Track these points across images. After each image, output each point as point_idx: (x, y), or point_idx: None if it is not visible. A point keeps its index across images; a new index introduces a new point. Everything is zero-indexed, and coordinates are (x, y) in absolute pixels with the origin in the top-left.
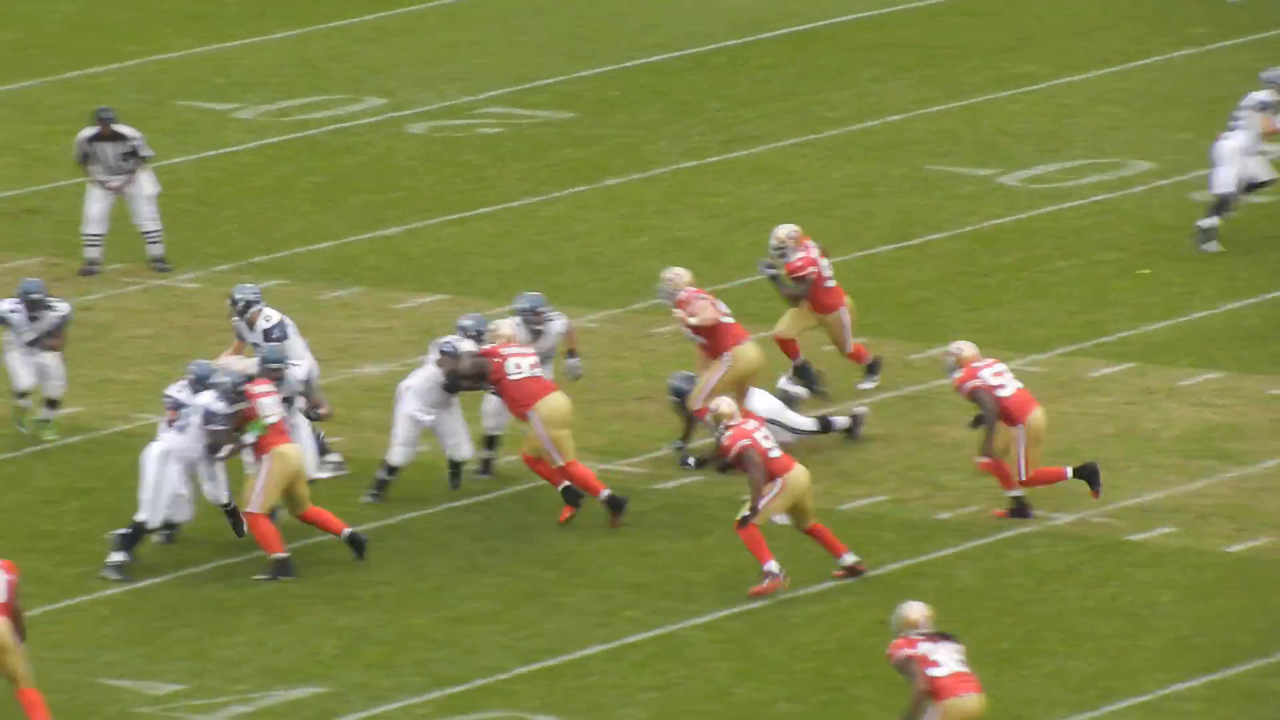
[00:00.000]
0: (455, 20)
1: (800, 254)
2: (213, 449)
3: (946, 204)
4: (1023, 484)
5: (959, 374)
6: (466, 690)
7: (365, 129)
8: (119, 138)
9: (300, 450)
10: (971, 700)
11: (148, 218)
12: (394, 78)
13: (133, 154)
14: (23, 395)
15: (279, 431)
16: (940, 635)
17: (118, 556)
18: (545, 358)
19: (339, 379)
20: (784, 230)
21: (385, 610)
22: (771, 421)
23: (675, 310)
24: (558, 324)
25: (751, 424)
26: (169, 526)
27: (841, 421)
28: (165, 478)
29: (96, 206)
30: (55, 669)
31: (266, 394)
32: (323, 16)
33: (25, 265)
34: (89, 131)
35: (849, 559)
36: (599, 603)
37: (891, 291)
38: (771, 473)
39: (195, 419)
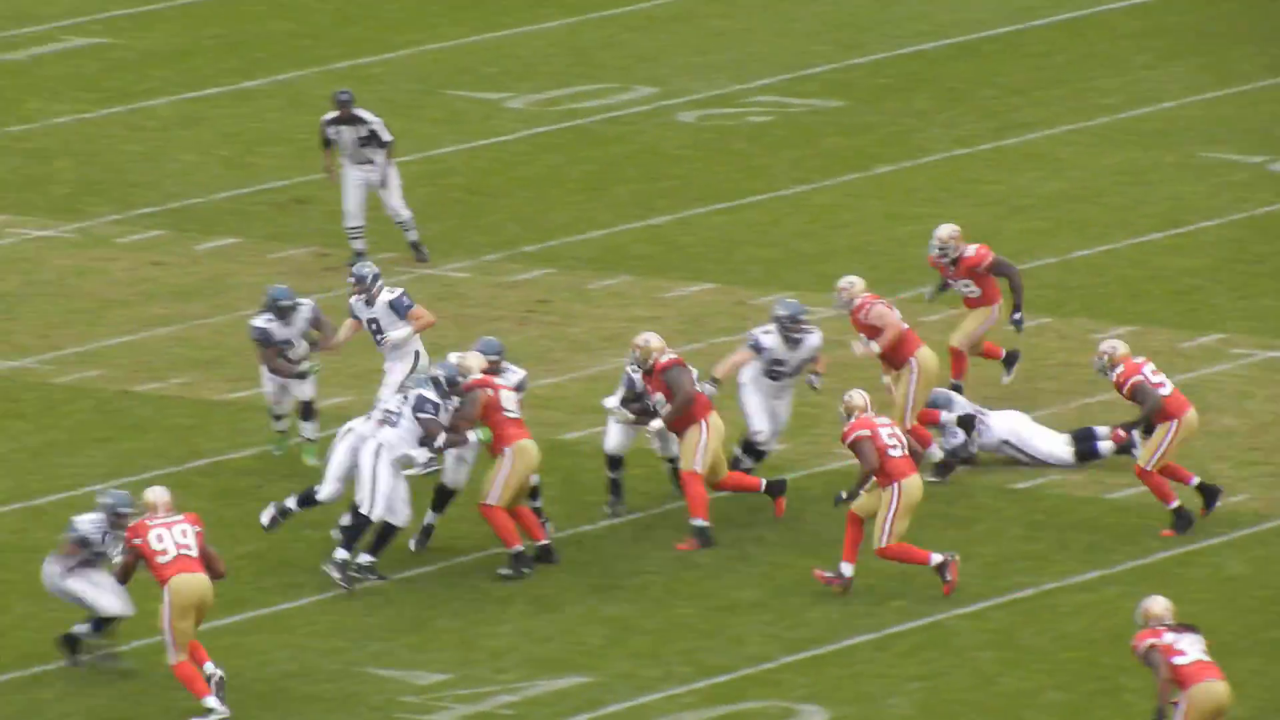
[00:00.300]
0: (725, 8)
1: (971, 248)
2: (428, 439)
3: (1219, 191)
4: (1140, 473)
5: (1120, 370)
6: (732, 680)
7: (635, 118)
8: (357, 121)
9: (535, 447)
10: (1218, 687)
11: (398, 208)
12: (664, 66)
13: (372, 138)
14: (279, 418)
15: (519, 425)
16: (1184, 626)
17: (341, 554)
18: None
19: (611, 368)
20: (946, 230)
21: (651, 600)
22: (1007, 444)
23: (859, 344)
24: (813, 339)
25: (883, 420)
26: (390, 531)
27: (1107, 447)
28: (380, 473)
29: (352, 200)
30: (322, 658)
31: (504, 387)
32: (594, 5)
33: (295, 255)
34: (328, 115)
35: (940, 559)
36: (865, 592)
37: (1162, 279)
38: (888, 474)
39: (406, 411)
